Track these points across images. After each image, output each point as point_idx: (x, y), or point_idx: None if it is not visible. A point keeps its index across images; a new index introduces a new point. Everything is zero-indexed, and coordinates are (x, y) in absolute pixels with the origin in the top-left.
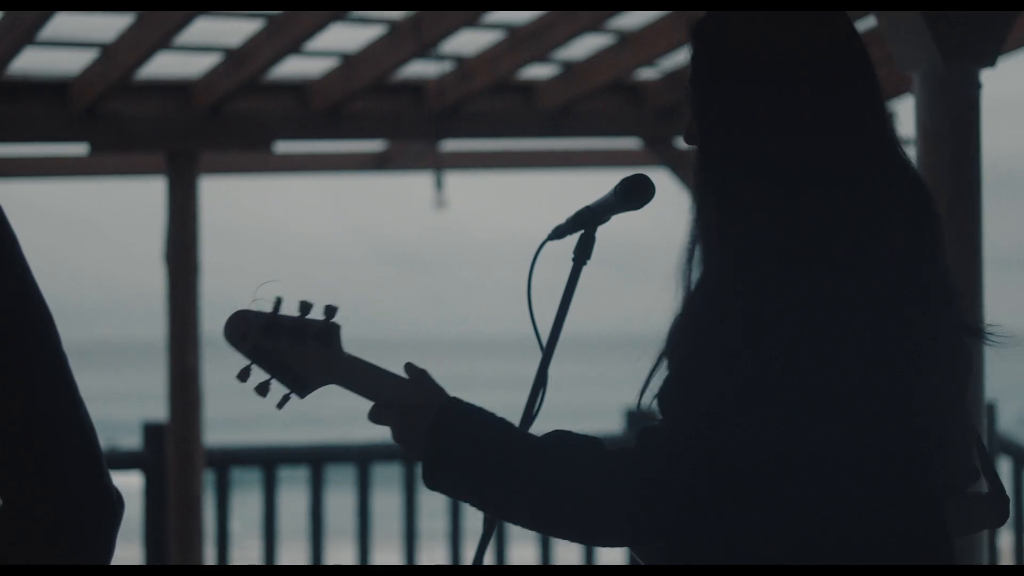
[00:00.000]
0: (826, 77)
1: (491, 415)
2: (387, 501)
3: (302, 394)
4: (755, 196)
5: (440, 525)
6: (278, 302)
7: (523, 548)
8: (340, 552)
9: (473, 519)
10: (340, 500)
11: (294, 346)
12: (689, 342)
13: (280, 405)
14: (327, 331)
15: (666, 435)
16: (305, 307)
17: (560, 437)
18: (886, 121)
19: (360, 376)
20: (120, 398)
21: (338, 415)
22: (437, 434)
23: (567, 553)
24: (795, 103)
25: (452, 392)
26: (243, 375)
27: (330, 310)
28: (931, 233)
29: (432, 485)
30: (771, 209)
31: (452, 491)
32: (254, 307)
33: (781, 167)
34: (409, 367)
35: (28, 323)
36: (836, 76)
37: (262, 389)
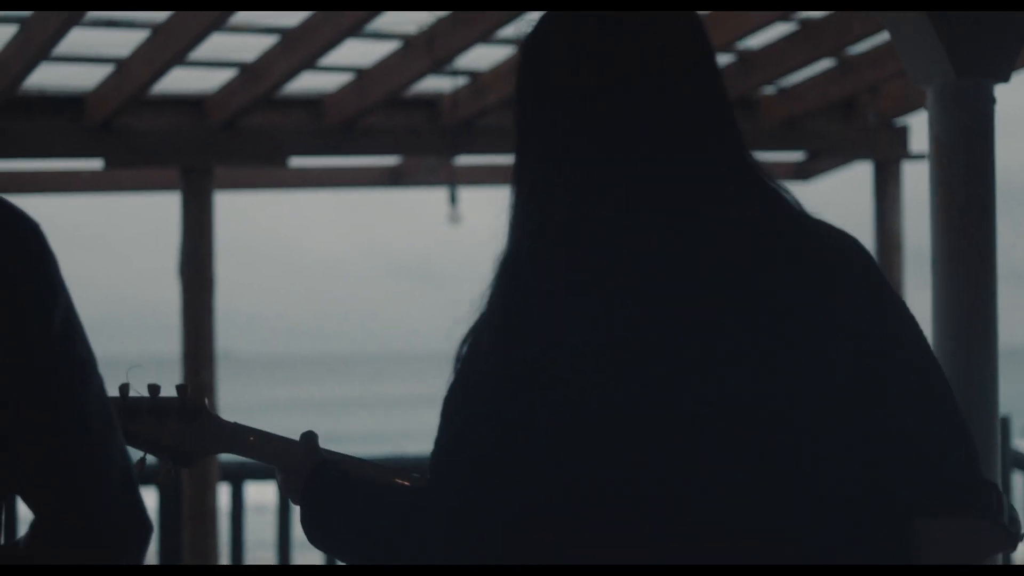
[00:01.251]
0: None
1: (350, 482)
2: None
3: (188, 464)
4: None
5: None
6: (125, 387)
7: None
8: None
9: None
10: None
11: (166, 424)
12: None
13: (164, 480)
14: (192, 405)
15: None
16: (154, 388)
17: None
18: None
19: (244, 442)
20: None
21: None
22: (305, 497)
23: None
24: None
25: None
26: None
27: (181, 388)
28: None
29: (308, 539)
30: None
31: (319, 546)
32: (116, 400)
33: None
34: (305, 433)
35: (76, 354)
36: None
37: (139, 466)
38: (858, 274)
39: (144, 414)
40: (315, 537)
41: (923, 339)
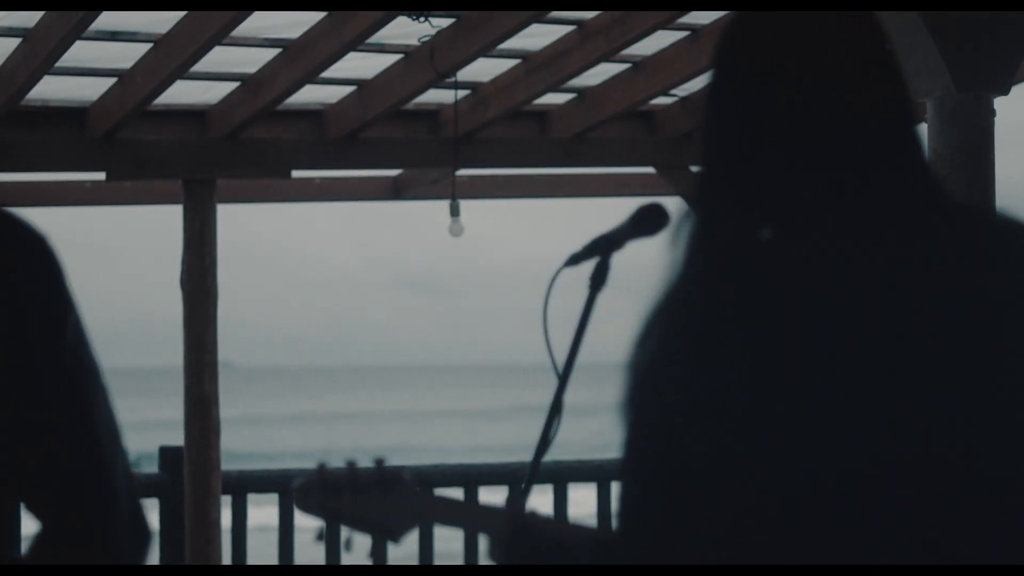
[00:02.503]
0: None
1: (553, 547)
2: None
3: (393, 539)
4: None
5: (455, 547)
6: (323, 465)
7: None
8: None
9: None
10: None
11: (367, 498)
12: None
13: (373, 554)
14: (390, 476)
15: None
16: (351, 463)
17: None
18: None
19: (446, 510)
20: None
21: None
22: (505, 558)
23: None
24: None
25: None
26: (320, 535)
27: (379, 460)
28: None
29: None
30: None
31: None
32: (313, 477)
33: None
34: (509, 499)
35: (85, 364)
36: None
37: (347, 544)
38: None
39: (344, 489)
40: None
41: None
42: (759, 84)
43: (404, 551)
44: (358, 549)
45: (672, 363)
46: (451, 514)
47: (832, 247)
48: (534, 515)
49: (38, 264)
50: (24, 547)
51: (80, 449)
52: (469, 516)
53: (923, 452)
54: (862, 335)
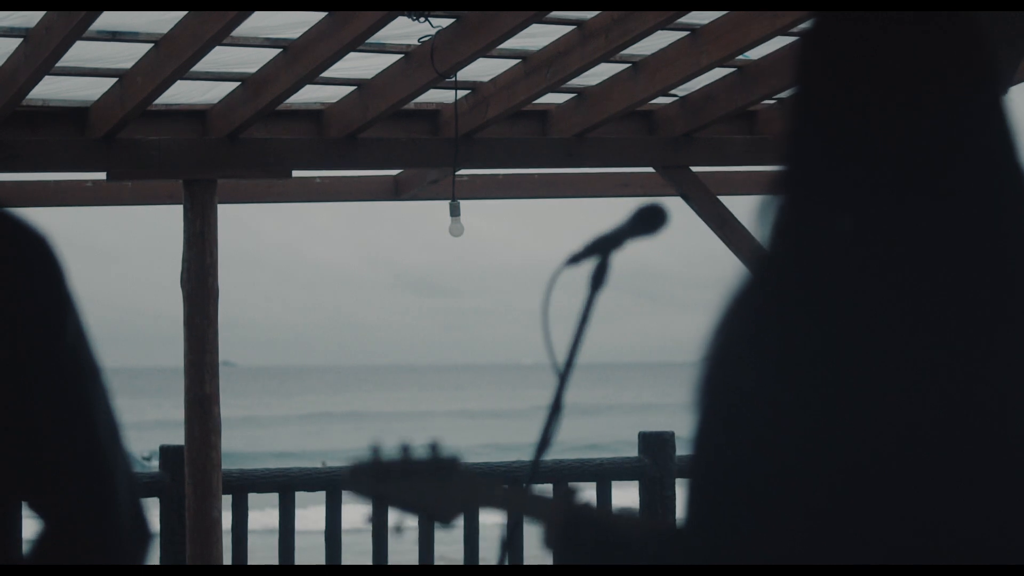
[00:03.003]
0: None
1: (605, 536)
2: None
3: (444, 522)
4: None
5: (457, 551)
6: (377, 448)
7: None
8: None
9: (484, 551)
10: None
11: (420, 483)
12: None
13: (421, 541)
14: (445, 462)
15: None
16: (405, 447)
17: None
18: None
19: (498, 497)
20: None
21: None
22: (562, 553)
23: None
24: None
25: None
26: (370, 518)
27: (433, 446)
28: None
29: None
30: None
31: None
32: (364, 458)
33: None
34: (562, 489)
35: (86, 365)
36: None
37: (398, 529)
38: None
39: (398, 474)
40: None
41: None
42: (843, 87)
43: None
44: (407, 536)
45: (749, 355)
46: (502, 501)
47: (909, 246)
48: (588, 506)
49: (38, 266)
50: (25, 548)
51: (81, 450)
52: (521, 503)
53: (993, 452)
54: (934, 335)
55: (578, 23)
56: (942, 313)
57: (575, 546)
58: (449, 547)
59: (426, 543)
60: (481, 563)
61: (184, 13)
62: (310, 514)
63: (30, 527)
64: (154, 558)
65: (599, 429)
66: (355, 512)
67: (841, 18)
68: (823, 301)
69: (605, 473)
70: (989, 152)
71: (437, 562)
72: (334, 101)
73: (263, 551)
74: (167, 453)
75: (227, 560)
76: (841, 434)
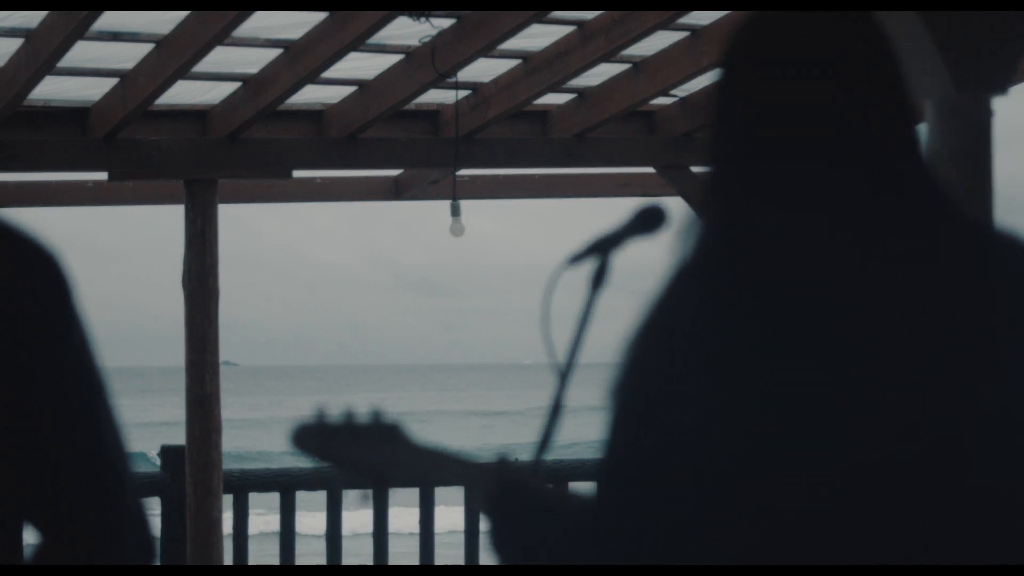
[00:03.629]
0: None
1: (536, 505)
2: (404, 524)
3: (383, 484)
4: None
5: (457, 553)
6: (323, 409)
7: None
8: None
9: (484, 551)
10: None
11: (363, 444)
12: None
13: (369, 498)
14: (387, 426)
15: None
16: (350, 410)
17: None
18: None
19: (436, 461)
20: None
21: None
22: (492, 519)
23: None
24: None
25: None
26: (366, 497)
27: (376, 410)
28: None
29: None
30: None
31: (505, 561)
32: (310, 419)
33: None
34: (498, 455)
35: (90, 375)
36: None
37: (364, 497)
38: None
39: (342, 434)
40: (500, 553)
41: None
42: (765, 84)
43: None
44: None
45: (679, 362)
46: (442, 464)
47: (837, 244)
48: (520, 473)
49: (42, 282)
50: (28, 551)
51: (84, 456)
52: (458, 469)
53: (920, 450)
54: (866, 331)
55: (578, 23)
56: (873, 308)
57: (506, 513)
58: (449, 549)
59: (427, 544)
60: (481, 563)
61: (185, 13)
62: (310, 517)
63: (32, 531)
64: (154, 558)
65: (599, 429)
66: (355, 514)
67: (766, 20)
68: (755, 299)
69: None
70: (903, 150)
71: (437, 562)
72: (335, 101)
73: (263, 552)
74: (168, 453)
75: (228, 560)
76: (773, 430)
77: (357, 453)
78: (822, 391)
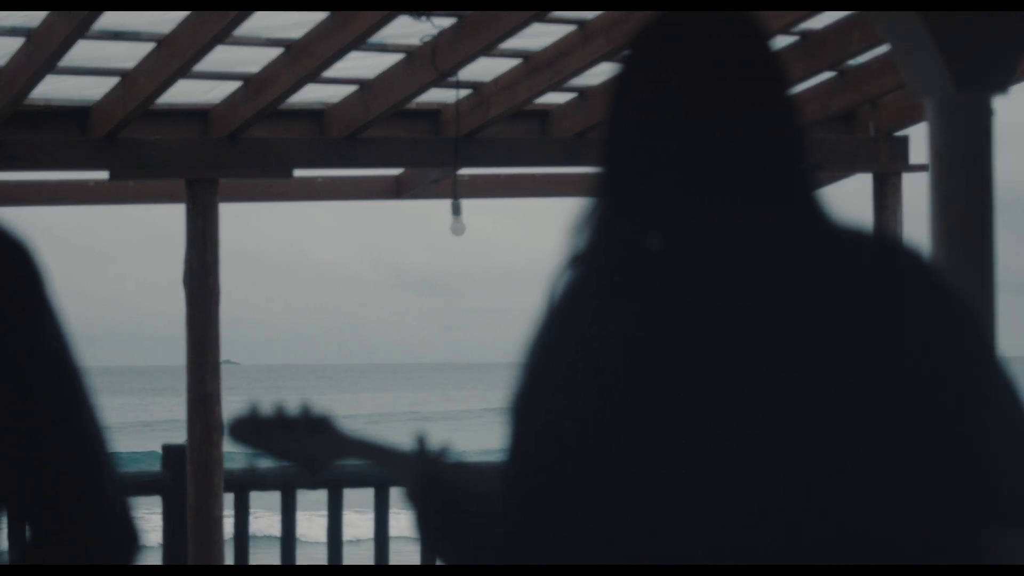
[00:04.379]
0: None
1: (454, 493)
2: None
3: (316, 471)
4: None
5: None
6: (255, 405)
7: None
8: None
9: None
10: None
11: (295, 436)
12: None
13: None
14: (317, 417)
15: None
16: (281, 405)
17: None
18: None
19: (362, 450)
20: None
21: None
22: (414, 506)
23: None
24: None
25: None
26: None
27: (306, 404)
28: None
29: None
30: None
31: (426, 550)
32: (243, 413)
33: None
34: (418, 441)
35: (67, 368)
36: None
37: (312, 471)
38: (929, 289)
39: (274, 427)
40: (423, 544)
41: (995, 353)
42: (649, 89)
43: None
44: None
45: (558, 369)
46: (367, 454)
47: (715, 258)
48: (447, 466)
49: (15, 269)
50: (15, 552)
51: (65, 455)
52: (383, 457)
53: (774, 411)
54: (741, 346)
55: (579, 23)
56: (752, 318)
57: (427, 501)
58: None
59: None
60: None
61: (186, 13)
62: (310, 519)
63: (17, 531)
64: (155, 556)
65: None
66: (355, 514)
67: (652, 24)
68: (639, 309)
69: None
70: (786, 166)
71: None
72: (335, 101)
73: (263, 553)
74: (169, 452)
75: (228, 559)
76: (661, 435)
77: (288, 443)
78: (708, 404)
